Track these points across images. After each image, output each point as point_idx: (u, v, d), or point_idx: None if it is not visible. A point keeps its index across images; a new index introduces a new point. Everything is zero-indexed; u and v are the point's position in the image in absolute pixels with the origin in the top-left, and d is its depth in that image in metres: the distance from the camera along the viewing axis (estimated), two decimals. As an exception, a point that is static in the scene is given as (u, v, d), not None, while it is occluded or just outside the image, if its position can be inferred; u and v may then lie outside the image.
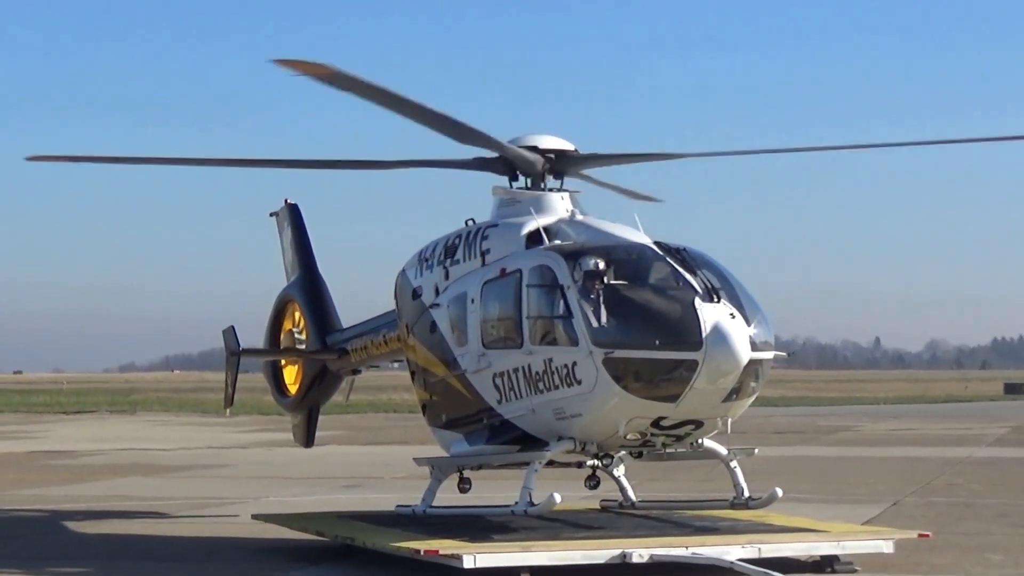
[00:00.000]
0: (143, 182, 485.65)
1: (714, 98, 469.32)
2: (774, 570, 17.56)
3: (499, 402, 19.93)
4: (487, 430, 20.35)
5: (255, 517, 23.54)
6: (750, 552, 18.21)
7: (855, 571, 18.71)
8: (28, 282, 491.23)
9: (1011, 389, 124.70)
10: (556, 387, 18.93)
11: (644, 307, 18.87)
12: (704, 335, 18.19)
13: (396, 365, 25.08)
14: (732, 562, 17.91)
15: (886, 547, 19.05)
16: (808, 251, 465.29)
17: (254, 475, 36.81)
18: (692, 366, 18.18)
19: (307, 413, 27.22)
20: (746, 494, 19.95)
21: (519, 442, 20.00)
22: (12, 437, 57.80)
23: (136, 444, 51.75)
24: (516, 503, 19.16)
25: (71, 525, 25.04)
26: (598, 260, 18.96)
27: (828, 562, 18.81)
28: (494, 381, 19.89)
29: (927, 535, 19.96)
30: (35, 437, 57.71)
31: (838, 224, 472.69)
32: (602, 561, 17.94)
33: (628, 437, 19.04)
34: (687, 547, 18.26)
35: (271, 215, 28.66)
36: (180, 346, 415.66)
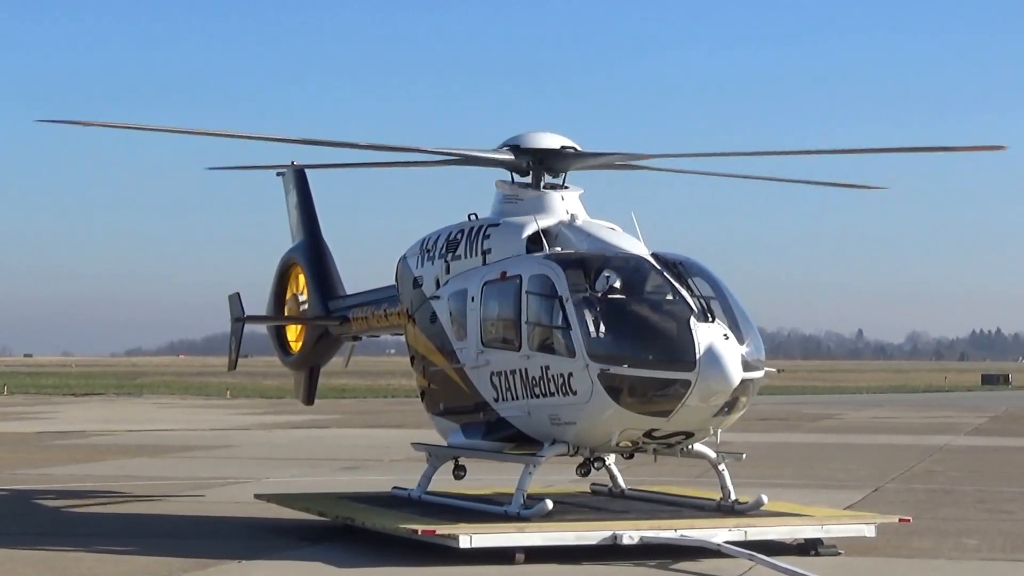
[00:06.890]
0: (152, 171, 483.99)
1: (711, 94, 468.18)
2: (760, 552, 18.05)
3: (496, 400, 20.32)
4: (483, 425, 20.71)
5: (258, 497, 23.81)
6: (737, 535, 18.76)
7: (838, 554, 19.15)
8: (38, 268, 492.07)
9: (988, 380, 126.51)
10: (552, 394, 19.27)
11: (641, 324, 19.10)
12: (698, 356, 18.44)
13: (393, 351, 25.57)
14: (719, 544, 18.38)
15: (868, 531, 19.55)
16: (793, 245, 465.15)
17: (256, 456, 37.31)
18: (685, 384, 18.48)
19: (308, 372, 27.64)
20: (733, 497, 20.23)
21: (514, 440, 20.35)
22: (22, 418, 58.35)
23: (142, 426, 52.21)
24: (510, 504, 19.47)
25: (78, 504, 25.42)
26: (596, 272, 19.16)
27: (812, 545, 19.27)
28: (491, 379, 20.28)
29: (908, 520, 20.51)
30: (44, 418, 58.11)
31: (823, 219, 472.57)
32: (594, 542, 18.41)
33: (620, 444, 19.43)
34: (676, 530, 18.75)
35: (278, 175, 28.78)
36: (185, 332, 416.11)
